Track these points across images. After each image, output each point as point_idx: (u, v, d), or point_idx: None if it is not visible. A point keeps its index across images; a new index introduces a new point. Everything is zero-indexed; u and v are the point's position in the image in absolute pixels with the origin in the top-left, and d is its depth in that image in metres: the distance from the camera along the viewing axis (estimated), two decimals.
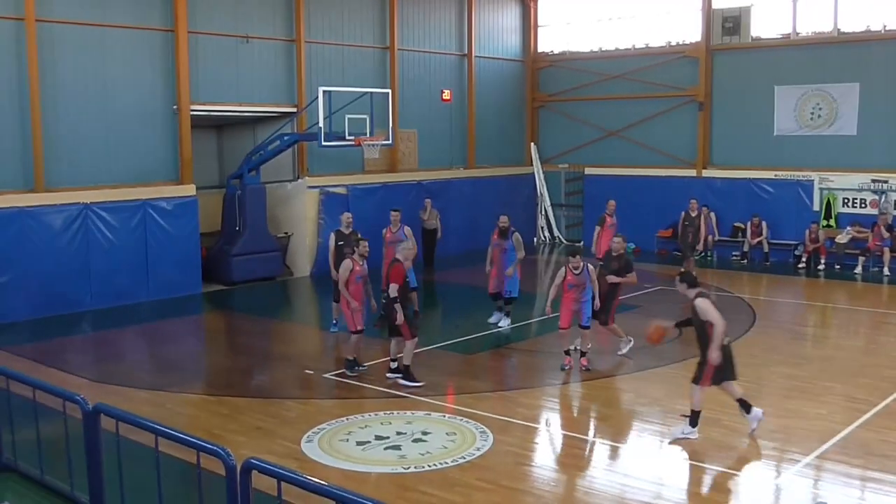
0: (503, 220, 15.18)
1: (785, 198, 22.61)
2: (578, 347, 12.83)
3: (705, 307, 9.50)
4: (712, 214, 23.15)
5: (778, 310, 16.87)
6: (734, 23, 23.38)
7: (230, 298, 18.64)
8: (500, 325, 15.20)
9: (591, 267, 12.73)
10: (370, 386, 11.85)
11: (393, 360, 12.14)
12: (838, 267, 20.86)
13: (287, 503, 5.70)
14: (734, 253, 22.94)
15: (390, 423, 10.20)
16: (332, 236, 14.76)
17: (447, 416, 10.49)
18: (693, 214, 19.09)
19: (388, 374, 12.09)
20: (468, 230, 24.66)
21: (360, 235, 12.68)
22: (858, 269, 20.61)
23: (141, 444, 7.68)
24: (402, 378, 11.79)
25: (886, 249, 20.42)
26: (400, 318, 11.59)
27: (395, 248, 14.49)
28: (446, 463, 8.95)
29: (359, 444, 9.55)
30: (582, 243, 26.09)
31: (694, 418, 9.61)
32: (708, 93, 24.01)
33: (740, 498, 8.33)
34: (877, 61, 21.41)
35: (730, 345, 9.80)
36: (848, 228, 21.29)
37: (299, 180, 21.17)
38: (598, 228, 18.27)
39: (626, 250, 13.95)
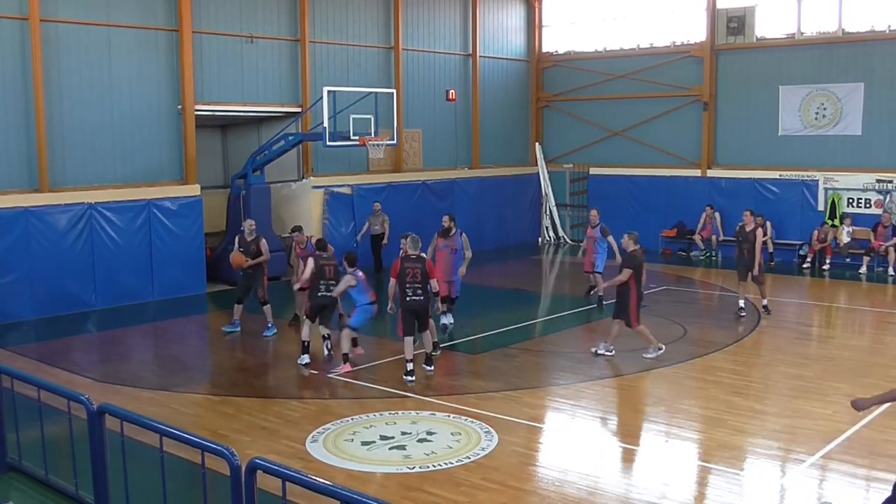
0: (446, 220, 14.95)
1: (790, 198, 22.59)
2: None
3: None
4: (717, 214, 23.14)
5: (783, 310, 16.83)
6: (739, 23, 23.36)
7: (233, 298, 18.63)
8: (445, 321, 14.93)
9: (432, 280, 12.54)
10: (375, 386, 11.86)
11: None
12: (848, 259, 20.83)
13: (292, 503, 5.70)
14: None
15: (395, 423, 10.20)
16: (236, 241, 15.09)
17: (452, 416, 10.49)
18: (748, 229, 15.91)
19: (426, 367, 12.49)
20: (473, 230, 24.58)
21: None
22: (863, 270, 20.57)
23: (145, 444, 7.70)
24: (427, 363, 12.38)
25: (891, 249, 20.38)
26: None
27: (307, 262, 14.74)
28: (451, 463, 8.95)
29: (364, 444, 9.55)
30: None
31: (303, 348, 12.97)
32: (712, 93, 23.98)
33: (745, 498, 8.31)
34: (881, 61, 21.38)
35: (325, 297, 13.00)
36: (842, 226, 21.30)
37: (304, 180, 21.19)
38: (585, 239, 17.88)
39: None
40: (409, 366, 12.02)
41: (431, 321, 12.81)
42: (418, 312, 12.11)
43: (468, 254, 14.76)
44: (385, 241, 19.89)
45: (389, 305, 12.30)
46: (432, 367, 12.45)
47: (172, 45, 18.35)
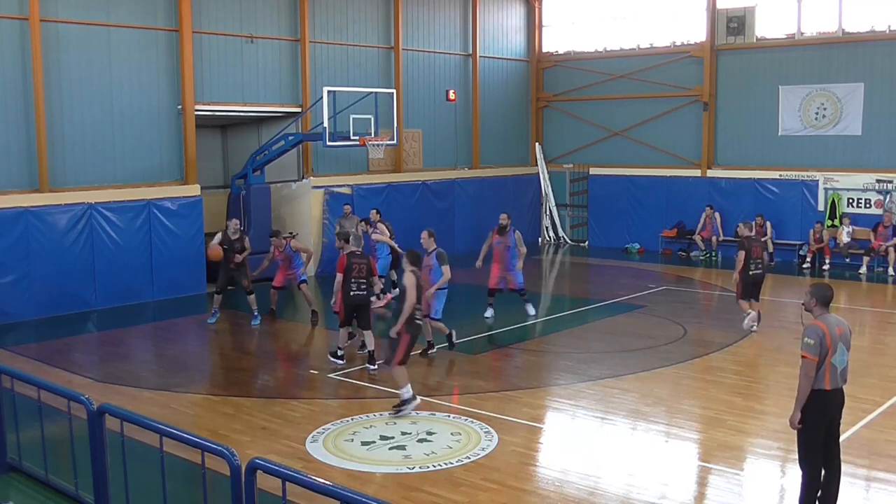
0: (504, 218, 15.87)
1: (790, 198, 22.59)
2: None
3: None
4: (717, 215, 23.15)
5: (782, 310, 16.82)
6: (739, 23, 23.36)
7: (234, 298, 18.62)
8: (529, 313, 16.08)
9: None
10: (375, 386, 11.87)
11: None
12: (848, 259, 20.83)
13: (292, 503, 5.71)
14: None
15: (395, 423, 10.20)
16: (219, 235, 15.85)
17: (452, 416, 10.49)
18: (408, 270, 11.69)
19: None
20: (473, 230, 24.64)
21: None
22: (863, 270, 20.58)
23: (146, 444, 7.71)
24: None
25: (891, 249, 20.38)
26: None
27: (286, 266, 16.08)
28: (451, 463, 8.95)
29: (363, 444, 9.55)
30: (587, 243, 26.16)
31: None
32: (712, 93, 23.98)
33: (745, 498, 8.32)
34: (881, 61, 21.38)
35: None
36: (841, 226, 21.32)
37: (304, 180, 21.20)
38: None
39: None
40: (340, 352, 12.95)
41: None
42: (360, 306, 12.60)
43: (522, 249, 15.69)
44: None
45: (333, 300, 13.08)
46: (376, 367, 12.59)
47: (172, 45, 18.35)
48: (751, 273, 14.65)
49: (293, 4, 20.63)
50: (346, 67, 21.85)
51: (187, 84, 18.42)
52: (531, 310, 16.18)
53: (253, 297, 15.77)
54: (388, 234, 17.41)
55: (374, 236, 17.07)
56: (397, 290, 16.31)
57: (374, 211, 18.06)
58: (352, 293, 12.48)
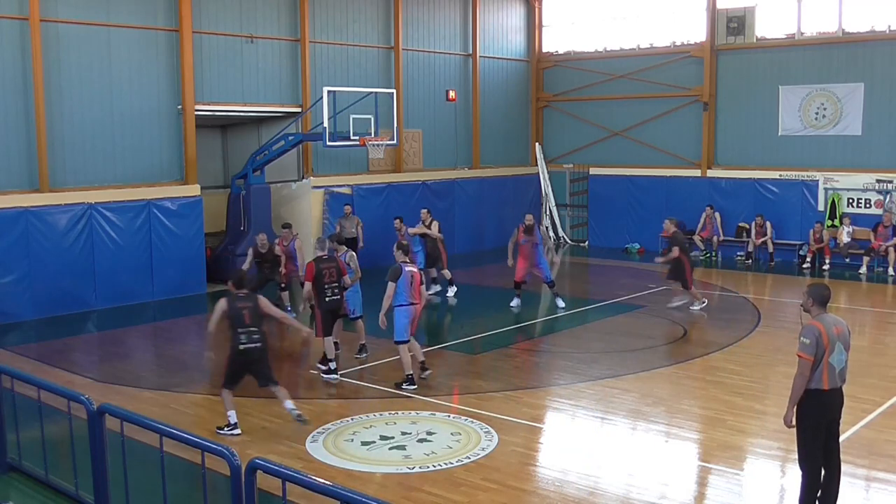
0: (529, 219, 16.74)
1: (790, 198, 22.58)
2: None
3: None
4: (717, 214, 23.15)
5: (782, 310, 16.84)
6: (739, 23, 23.36)
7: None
8: (559, 305, 16.86)
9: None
10: (374, 386, 11.87)
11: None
12: (848, 259, 20.83)
13: (292, 503, 5.70)
14: (739, 253, 22.91)
15: (395, 423, 10.21)
16: (250, 252, 16.32)
17: (452, 416, 10.49)
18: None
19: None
20: (473, 230, 24.71)
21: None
22: (863, 270, 20.57)
23: (146, 444, 7.71)
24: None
25: (891, 249, 20.37)
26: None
27: (287, 262, 16.36)
28: (451, 463, 8.95)
29: (363, 444, 9.55)
30: (587, 243, 26.16)
31: None
32: (712, 93, 23.98)
33: (745, 498, 8.32)
34: (881, 61, 21.38)
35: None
36: (841, 226, 21.33)
37: (304, 180, 21.19)
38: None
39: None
40: (333, 364, 12.16)
41: (360, 322, 13.24)
42: (336, 311, 12.31)
43: (549, 244, 17.49)
44: (361, 244, 18.93)
45: (303, 306, 13.14)
46: (365, 355, 13.04)
47: (172, 45, 18.35)
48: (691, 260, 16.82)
49: (293, 4, 20.63)
50: (346, 67, 21.85)
51: (187, 84, 18.42)
52: (561, 303, 16.86)
53: (287, 293, 16.22)
54: (438, 231, 17.84)
55: (411, 230, 17.47)
56: (438, 286, 17.95)
57: (425, 211, 18.28)
58: (326, 299, 11.99)
